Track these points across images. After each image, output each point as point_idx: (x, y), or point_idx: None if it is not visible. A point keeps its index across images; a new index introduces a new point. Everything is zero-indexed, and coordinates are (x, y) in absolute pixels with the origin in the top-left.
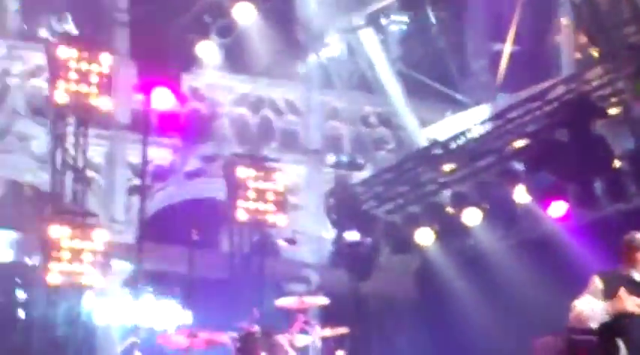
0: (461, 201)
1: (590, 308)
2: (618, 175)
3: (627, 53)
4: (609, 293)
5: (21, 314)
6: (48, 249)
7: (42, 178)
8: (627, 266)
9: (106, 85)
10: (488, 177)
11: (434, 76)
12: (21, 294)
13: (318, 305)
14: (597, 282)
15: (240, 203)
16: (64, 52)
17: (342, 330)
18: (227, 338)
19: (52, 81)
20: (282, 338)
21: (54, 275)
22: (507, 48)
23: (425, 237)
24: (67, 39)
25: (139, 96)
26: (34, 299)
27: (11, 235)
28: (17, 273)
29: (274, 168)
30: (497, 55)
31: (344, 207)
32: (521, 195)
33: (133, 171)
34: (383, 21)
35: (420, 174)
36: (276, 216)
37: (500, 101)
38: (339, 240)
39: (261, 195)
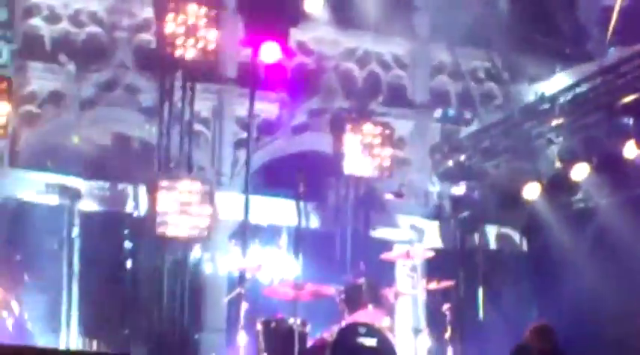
0: (569, 156)
1: None
2: None
3: None
4: None
5: (128, 264)
6: (155, 201)
7: (149, 132)
8: None
9: (214, 39)
10: (597, 132)
11: (543, 30)
12: (128, 245)
13: (424, 258)
14: None
15: (346, 157)
16: (173, 7)
17: (448, 283)
18: (333, 290)
19: (160, 35)
20: (387, 291)
21: (162, 227)
22: (618, 2)
23: (532, 191)
24: None
25: (247, 51)
26: (141, 249)
27: (119, 187)
28: (125, 224)
29: (381, 122)
30: (608, 9)
31: (451, 161)
32: (630, 150)
33: (239, 125)
34: None
35: (527, 129)
36: (383, 169)
37: (611, 56)
38: (445, 194)
39: (367, 149)
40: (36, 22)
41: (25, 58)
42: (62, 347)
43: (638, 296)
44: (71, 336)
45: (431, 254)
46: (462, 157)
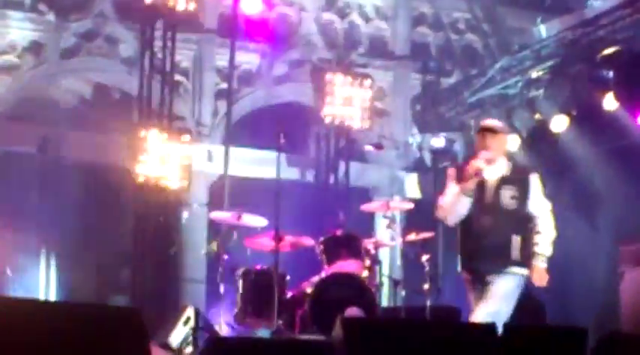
0: (549, 109)
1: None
2: None
3: None
4: (460, 178)
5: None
6: (136, 152)
7: (130, 82)
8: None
9: None
10: (577, 84)
11: None
12: (110, 196)
13: (403, 209)
14: (451, 172)
15: (327, 108)
16: None
17: (427, 235)
18: (312, 241)
19: None
20: (367, 242)
21: (142, 178)
22: None
23: (512, 144)
24: None
25: (227, 1)
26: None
27: (99, 137)
28: (106, 175)
29: (361, 73)
30: None
31: (431, 113)
32: (610, 103)
33: (220, 76)
34: None
35: (507, 81)
36: (363, 121)
37: (590, 8)
38: (425, 146)
39: (348, 100)
40: None
41: (5, 7)
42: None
43: (616, 243)
44: (50, 289)
45: (410, 205)
46: (442, 109)
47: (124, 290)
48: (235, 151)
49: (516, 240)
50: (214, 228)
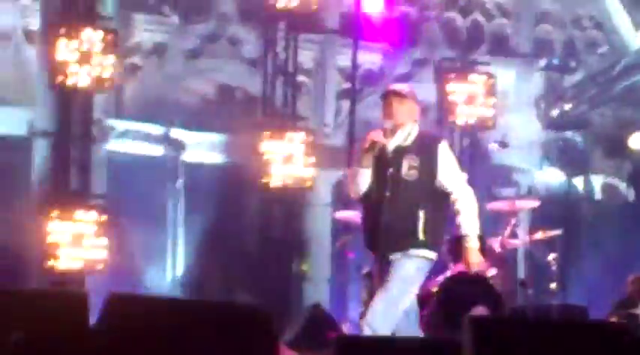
0: None
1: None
2: None
3: None
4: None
5: (233, 214)
6: (260, 152)
7: (253, 83)
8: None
9: None
10: None
11: None
12: (233, 195)
13: (529, 208)
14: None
15: (450, 106)
16: None
17: (553, 233)
18: None
19: None
20: (493, 241)
21: (266, 177)
22: None
23: (639, 141)
24: None
25: (349, 1)
26: (246, 200)
27: (221, 138)
28: (230, 175)
29: (484, 71)
30: None
31: (555, 111)
32: None
33: (342, 76)
34: None
35: (633, 77)
36: (486, 119)
37: None
38: (550, 144)
39: (471, 98)
40: None
41: (130, 9)
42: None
43: None
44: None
45: (536, 204)
46: (567, 106)
47: (248, 288)
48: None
49: (421, 217)
50: (339, 227)
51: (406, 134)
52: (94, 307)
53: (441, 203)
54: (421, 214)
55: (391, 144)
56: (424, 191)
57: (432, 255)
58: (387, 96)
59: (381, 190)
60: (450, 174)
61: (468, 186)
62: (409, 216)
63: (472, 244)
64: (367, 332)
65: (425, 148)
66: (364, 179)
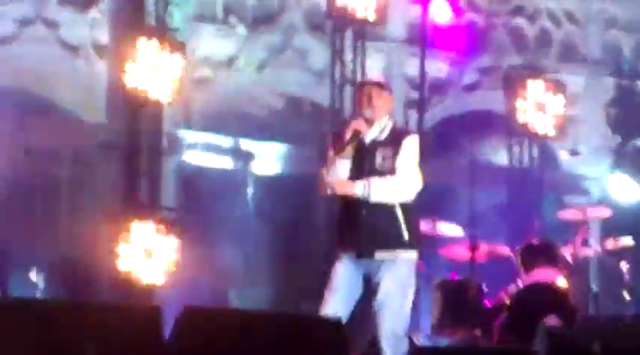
0: None
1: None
2: None
3: None
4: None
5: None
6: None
7: (320, 93)
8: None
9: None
10: None
11: None
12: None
13: (602, 216)
14: (329, 139)
15: (519, 115)
16: None
17: (627, 242)
18: (508, 250)
19: None
20: (564, 251)
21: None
22: None
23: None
24: None
25: (416, 9)
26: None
27: (290, 149)
28: (298, 186)
29: (553, 78)
30: None
31: (627, 116)
32: None
33: (410, 85)
34: None
35: None
36: (556, 127)
37: None
38: (622, 150)
39: (540, 106)
40: None
41: (198, 21)
42: None
43: None
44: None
45: (609, 212)
46: (638, 112)
47: (318, 299)
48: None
49: (400, 214)
50: None
51: (382, 127)
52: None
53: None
54: (399, 211)
55: (368, 137)
56: None
57: (416, 255)
58: (366, 87)
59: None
60: (403, 162)
61: (415, 180)
62: (389, 213)
63: (357, 184)
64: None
65: (396, 140)
66: (343, 171)
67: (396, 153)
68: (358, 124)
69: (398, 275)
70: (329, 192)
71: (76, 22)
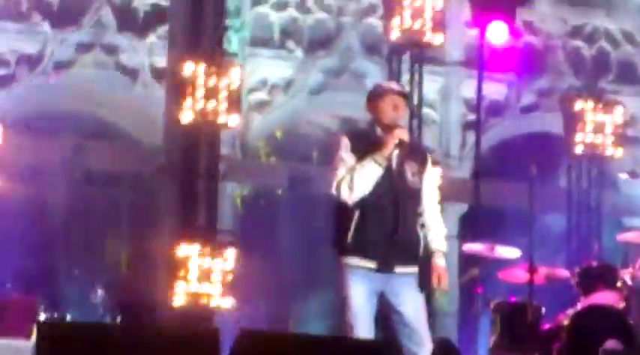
0: None
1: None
2: None
3: None
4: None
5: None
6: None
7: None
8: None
9: (440, 21)
10: None
11: None
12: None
13: None
14: (344, 140)
15: (578, 137)
16: None
17: None
18: (567, 273)
19: (387, 18)
20: (623, 273)
21: None
22: None
23: None
24: None
25: (473, 32)
26: None
27: None
28: None
29: (612, 100)
30: None
31: None
32: None
33: (467, 107)
34: None
35: None
36: (616, 149)
37: None
38: None
39: (599, 128)
40: (264, 9)
41: (254, 45)
42: None
43: None
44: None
45: None
46: None
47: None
48: (485, 182)
49: (420, 229)
50: (466, 260)
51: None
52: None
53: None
54: (419, 226)
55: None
56: (421, 200)
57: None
58: (398, 95)
59: (386, 195)
60: (434, 190)
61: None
62: (414, 227)
63: (443, 262)
64: None
65: (420, 155)
66: (375, 178)
67: (422, 170)
68: (403, 133)
69: (418, 293)
70: (354, 196)
71: (134, 48)
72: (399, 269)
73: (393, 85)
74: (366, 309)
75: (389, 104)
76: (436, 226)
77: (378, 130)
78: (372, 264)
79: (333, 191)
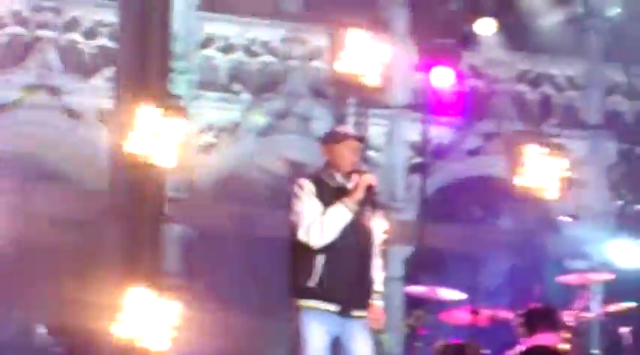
0: None
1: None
2: None
3: None
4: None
5: None
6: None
7: (324, 159)
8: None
9: (385, 65)
10: None
11: None
12: None
13: (602, 281)
14: (308, 185)
15: (522, 179)
16: (345, 34)
17: (629, 305)
18: (510, 314)
19: (333, 62)
20: (565, 315)
21: None
22: None
23: None
24: (349, 21)
25: (419, 76)
26: None
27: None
28: None
29: (555, 143)
30: None
31: (628, 181)
32: None
33: (413, 150)
34: None
35: None
36: (559, 192)
37: None
38: (623, 213)
39: (543, 171)
40: (211, 52)
41: (201, 88)
42: None
43: None
44: None
45: (611, 276)
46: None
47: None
48: (430, 225)
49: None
50: (409, 302)
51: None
52: None
53: None
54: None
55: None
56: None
57: None
58: (357, 140)
59: (350, 240)
60: (379, 232)
61: None
62: (369, 269)
63: (382, 302)
64: None
65: (371, 204)
66: (344, 224)
67: (373, 213)
68: (372, 178)
69: (368, 336)
70: (321, 241)
71: (79, 89)
72: (356, 313)
73: (351, 130)
74: (323, 352)
75: (348, 149)
76: (379, 269)
77: (338, 175)
78: (334, 307)
79: (301, 236)
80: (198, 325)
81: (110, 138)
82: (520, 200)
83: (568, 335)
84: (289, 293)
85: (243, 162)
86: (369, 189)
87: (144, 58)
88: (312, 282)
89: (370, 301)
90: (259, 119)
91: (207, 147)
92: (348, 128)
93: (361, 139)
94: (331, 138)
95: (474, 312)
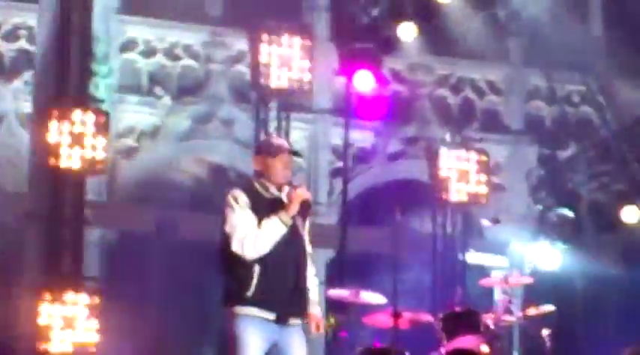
0: None
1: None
2: None
3: None
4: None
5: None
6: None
7: (245, 162)
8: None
9: (306, 69)
10: None
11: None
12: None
13: (522, 284)
14: (242, 196)
15: (443, 184)
16: (266, 38)
17: (548, 309)
18: (431, 317)
19: (254, 66)
20: (486, 318)
21: None
22: None
23: (631, 215)
24: (270, 25)
25: (341, 80)
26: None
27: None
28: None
29: (476, 148)
30: None
31: (548, 186)
32: None
33: (335, 154)
34: None
35: (624, 152)
36: (479, 196)
37: None
38: (543, 218)
39: (463, 175)
40: (132, 56)
41: (122, 92)
42: None
43: None
44: None
45: (530, 280)
46: (560, 181)
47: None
48: (352, 229)
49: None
50: (331, 306)
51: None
52: None
53: None
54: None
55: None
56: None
57: None
58: (289, 153)
59: (286, 251)
60: (308, 239)
61: None
62: (304, 278)
63: (319, 310)
64: None
65: (303, 215)
66: (279, 237)
67: (304, 224)
68: (306, 193)
69: (304, 339)
70: (259, 251)
71: None
72: (293, 321)
73: (285, 143)
74: None
75: (282, 162)
76: (313, 277)
77: (272, 187)
78: (271, 316)
79: (235, 248)
80: (119, 329)
81: (30, 141)
82: (442, 204)
83: (489, 338)
84: (224, 300)
85: (165, 166)
86: (304, 203)
87: (64, 62)
88: (249, 292)
89: (307, 310)
90: (181, 123)
91: (129, 151)
92: (282, 140)
93: (293, 153)
94: (266, 151)
95: (396, 315)
